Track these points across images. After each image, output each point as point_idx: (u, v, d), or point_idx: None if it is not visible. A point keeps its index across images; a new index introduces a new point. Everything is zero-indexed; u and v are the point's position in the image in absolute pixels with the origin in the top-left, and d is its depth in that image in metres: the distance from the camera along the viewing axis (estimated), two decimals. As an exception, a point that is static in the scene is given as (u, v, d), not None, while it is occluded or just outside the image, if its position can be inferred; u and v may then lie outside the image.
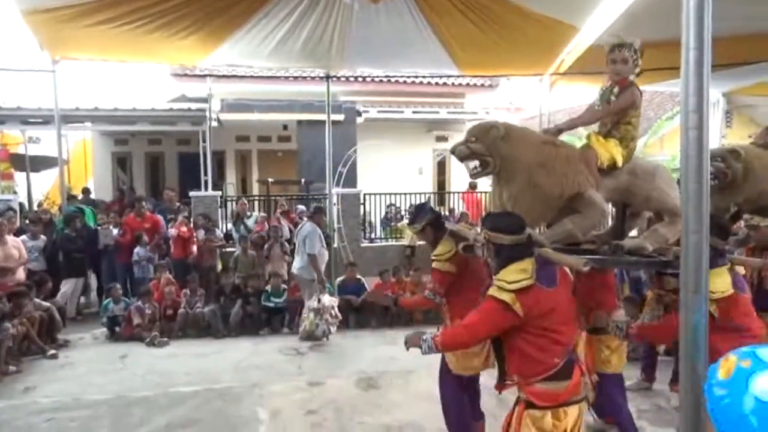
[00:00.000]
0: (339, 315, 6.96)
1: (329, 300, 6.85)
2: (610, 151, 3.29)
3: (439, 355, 3.86)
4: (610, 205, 3.62)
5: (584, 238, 3.34)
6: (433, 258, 3.82)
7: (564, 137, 3.42)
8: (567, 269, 2.81)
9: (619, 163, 3.31)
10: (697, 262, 2.11)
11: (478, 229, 3.12)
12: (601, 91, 3.44)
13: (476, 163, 3.22)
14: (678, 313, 2.40)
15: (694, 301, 2.11)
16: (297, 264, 7.21)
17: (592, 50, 7.60)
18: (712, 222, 2.84)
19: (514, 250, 2.61)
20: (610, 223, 4.02)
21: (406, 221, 9.74)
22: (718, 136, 9.93)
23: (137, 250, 8.24)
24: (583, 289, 3.44)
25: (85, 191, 12.41)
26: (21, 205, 10.30)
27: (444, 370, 3.91)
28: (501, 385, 2.76)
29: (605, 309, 3.78)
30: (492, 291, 2.58)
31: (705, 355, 2.13)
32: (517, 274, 2.54)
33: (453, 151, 3.30)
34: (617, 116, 3.34)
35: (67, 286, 7.87)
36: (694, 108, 2.06)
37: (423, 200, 11.37)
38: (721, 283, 2.96)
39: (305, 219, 7.81)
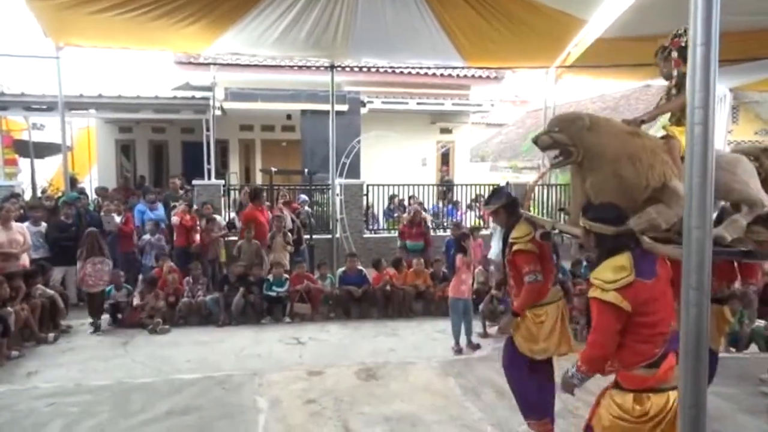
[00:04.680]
0: None
1: None
2: None
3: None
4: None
5: (666, 227, 3.22)
6: (514, 240, 3.86)
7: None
8: (667, 260, 2.80)
9: None
10: (699, 257, 2.09)
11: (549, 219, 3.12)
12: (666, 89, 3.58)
13: (557, 152, 3.25)
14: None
15: (696, 297, 2.09)
16: (495, 250, 7.93)
17: (599, 43, 7.54)
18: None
19: (616, 241, 2.66)
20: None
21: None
22: (725, 131, 9.86)
23: (145, 237, 8.34)
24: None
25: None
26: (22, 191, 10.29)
27: (510, 349, 3.93)
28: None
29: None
30: (594, 293, 2.62)
31: (706, 351, 2.12)
32: (615, 272, 2.57)
33: (535, 141, 3.31)
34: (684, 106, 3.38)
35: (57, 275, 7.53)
36: (701, 104, 2.04)
37: (427, 192, 11.38)
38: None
39: None
